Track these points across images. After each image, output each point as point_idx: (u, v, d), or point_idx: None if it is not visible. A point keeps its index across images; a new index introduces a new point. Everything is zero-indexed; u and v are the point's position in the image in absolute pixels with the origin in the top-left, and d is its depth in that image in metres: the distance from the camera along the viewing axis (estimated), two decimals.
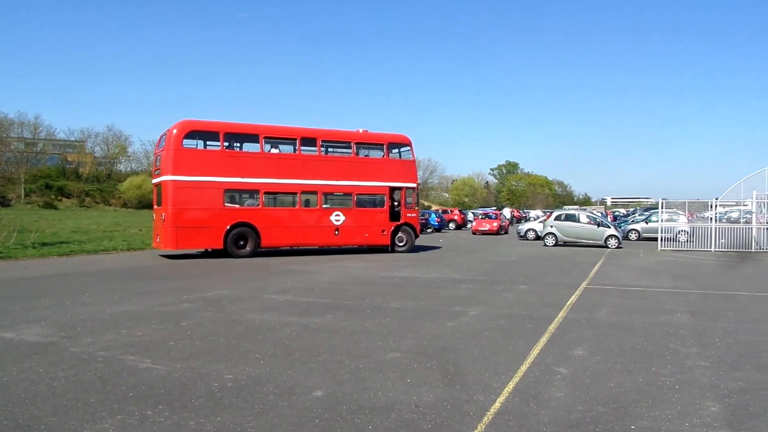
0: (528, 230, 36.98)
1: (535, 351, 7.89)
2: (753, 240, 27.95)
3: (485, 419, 5.34)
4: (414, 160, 26.00)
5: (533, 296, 12.87)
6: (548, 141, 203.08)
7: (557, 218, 31.65)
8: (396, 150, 25.52)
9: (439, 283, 14.84)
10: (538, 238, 34.65)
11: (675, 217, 31.69)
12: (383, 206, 24.67)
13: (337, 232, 23.53)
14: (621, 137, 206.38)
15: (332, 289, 13.69)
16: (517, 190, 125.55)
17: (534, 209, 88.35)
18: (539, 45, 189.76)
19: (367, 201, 24.80)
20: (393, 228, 24.77)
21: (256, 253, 22.21)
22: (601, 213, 49.97)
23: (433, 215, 48.26)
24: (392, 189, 24.91)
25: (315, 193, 23.39)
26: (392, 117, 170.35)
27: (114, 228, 37.42)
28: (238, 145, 23.14)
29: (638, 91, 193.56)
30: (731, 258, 24.36)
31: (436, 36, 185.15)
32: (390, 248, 24.83)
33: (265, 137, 22.93)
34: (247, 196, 22.64)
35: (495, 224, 44.25)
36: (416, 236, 25.72)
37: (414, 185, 25.50)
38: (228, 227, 21.53)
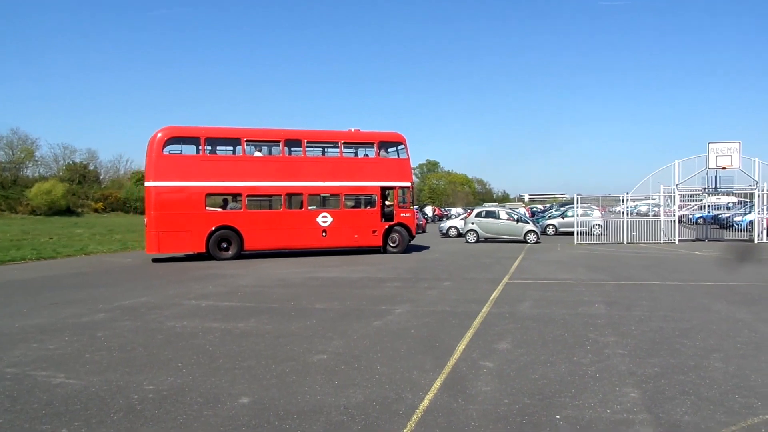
0: (450, 227, 37.52)
1: (461, 346, 7.96)
2: (661, 231, 29.29)
3: (415, 417, 5.34)
4: (408, 159, 24.91)
5: (457, 292, 13.02)
6: (467, 140, 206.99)
7: (478, 215, 32.22)
8: (388, 148, 24.84)
9: (364, 283, 14.81)
10: (459, 235, 35.20)
11: (589, 212, 32.86)
12: (374, 206, 24.00)
13: (324, 234, 23.08)
14: (537, 135, 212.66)
15: (255, 292, 13.43)
16: (438, 189, 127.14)
17: (455, 207, 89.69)
18: (455, 44, 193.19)
19: (357, 201, 24.44)
20: (385, 229, 24.04)
21: (241, 255, 22.17)
22: (522, 210, 51.15)
23: None
24: (384, 189, 24.20)
25: (300, 194, 23.19)
26: (309, 116, 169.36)
27: (22, 237, 35.56)
28: (223, 149, 23.29)
29: (553, 89, 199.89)
30: (643, 249, 25.43)
31: (352, 34, 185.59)
32: (382, 249, 24.08)
33: (246, 140, 22.88)
34: (231, 199, 22.78)
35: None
36: (411, 237, 24.86)
37: (408, 184, 24.57)
38: (210, 231, 21.80)
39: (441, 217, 65.05)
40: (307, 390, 6.16)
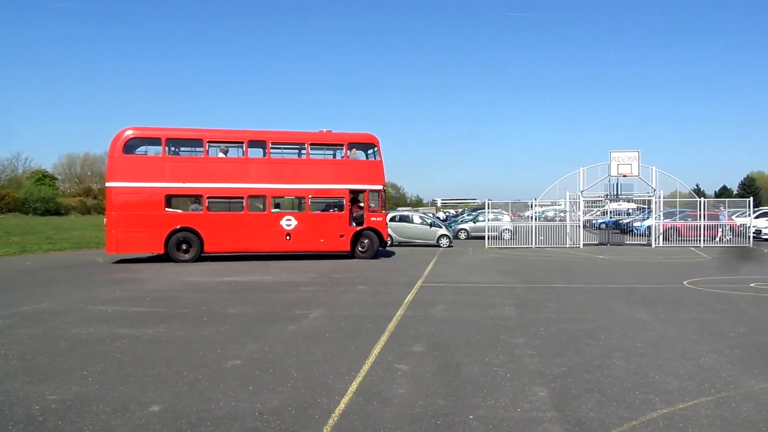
0: None
1: (377, 350, 8.02)
2: (567, 236, 30.46)
3: (330, 421, 5.33)
4: (380, 161, 23.54)
5: (372, 296, 13.11)
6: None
7: (392, 219, 32.45)
8: (358, 150, 23.79)
9: (278, 287, 14.67)
10: None
11: (500, 217, 33.80)
12: (342, 210, 23.01)
13: (288, 238, 22.31)
14: (450, 141, 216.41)
15: (166, 297, 13.05)
16: None
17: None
18: (366, 49, 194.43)
19: (324, 205, 23.67)
20: (354, 233, 22.95)
21: (200, 258, 21.74)
22: (433, 214, 51.88)
23: None
24: (354, 192, 23.16)
25: (263, 197, 22.50)
26: (206, 114, 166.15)
27: None
28: (186, 150, 23.03)
29: (466, 97, 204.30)
30: (550, 253, 26.36)
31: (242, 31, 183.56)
32: (351, 254, 23.04)
33: (209, 141, 22.44)
34: (192, 201, 22.50)
35: None
36: (382, 242, 23.86)
37: (379, 187, 23.34)
38: (169, 232, 21.52)
39: None
40: (221, 396, 6.04)
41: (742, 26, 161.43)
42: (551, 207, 37.11)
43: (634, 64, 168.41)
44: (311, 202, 22.98)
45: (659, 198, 30.22)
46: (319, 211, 23.39)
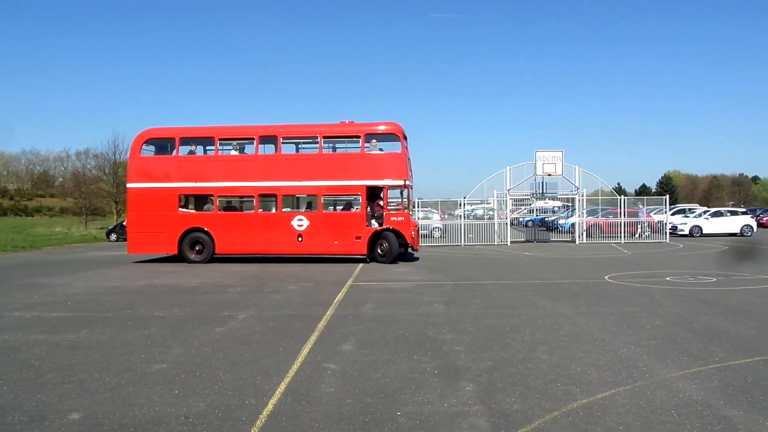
0: None
1: (306, 350, 8.00)
2: (495, 234, 31.09)
3: (258, 422, 5.29)
4: (402, 153, 20.89)
5: (302, 296, 13.05)
6: None
7: None
8: (378, 142, 21.17)
9: (205, 289, 14.39)
10: None
11: (430, 215, 34.20)
12: (359, 208, 20.93)
13: (300, 239, 20.73)
14: None
15: (88, 301, 12.61)
16: None
17: None
18: (293, 45, 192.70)
19: (338, 204, 22.17)
20: (371, 235, 20.58)
21: (212, 259, 21.26)
22: None
23: None
24: (371, 188, 20.68)
25: (274, 195, 21.24)
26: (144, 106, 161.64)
27: None
28: (199, 148, 22.29)
29: (390, 95, 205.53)
30: (479, 251, 26.84)
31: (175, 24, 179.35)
32: (368, 258, 20.78)
33: (220, 139, 21.73)
34: (204, 201, 21.91)
35: None
36: (405, 244, 20.81)
37: (400, 183, 20.69)
38: (182, 233, 21.17)
39: None
40: (145, 402, 5.90)
41: (660, 28, 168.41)
42: (480, 205, 37.78)
43: (558, 66, 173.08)
44: (324, 201, 21.32)
45: (582, 196, 31.25)
46: (333, 211, 22.03)
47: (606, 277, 15.90)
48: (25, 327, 9.84)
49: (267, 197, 21.45)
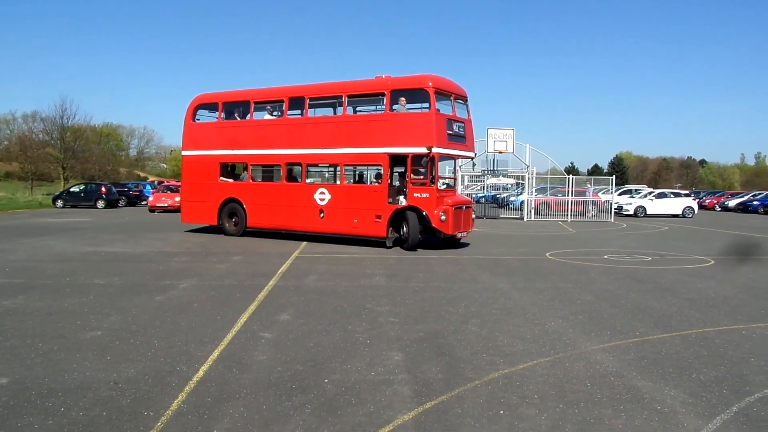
0: None
1: (243, 319, 8.12)
2: None
3: (187, 388, 5.42)
4: (431, 113, 16.48)
5: (246, 266, 13.11)
6: None
7: None
8: (404, 99, 17.11)
9: (149, 257, 14.32)
10: None
11: None
12: (380, 181, 17.48)
13: (321, 215, 18.18)
14: None
15: (27, 267, 12.44)
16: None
17: None
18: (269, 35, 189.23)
19: (360, 175, 19.44)
20: (392, 213, 16.98)
21: (245, 232, 19.99)
22: None
23: (149, 187, 46.13)
24: (395, 157, 17.09)
25: (299, 165, 19.05)
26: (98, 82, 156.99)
27: None
28: (238, 114, 20.73)
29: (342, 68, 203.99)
30: None
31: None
32: (387, 243, 17.31)
33: (255, 103, 20.09)
34: (241, 169, 20.66)
35: (178, 199, 31.48)
36: (429, 229, 16.77)
37: (424, 150, 16.35)
38: (221, 203, 20.06)
39: None
40: (76, 367, 5.96)
41: (617, 11, 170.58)
42: None
43: (513, 43, 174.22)
44: (346, 172, 18.60)
45: (532, 174, 31.82)
46: (354, 183, 19.05)
47: (547, 254, 16.34)
48: None
49: (293, 166, 19.39)
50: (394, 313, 8.68)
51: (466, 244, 18.53)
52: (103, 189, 37.21)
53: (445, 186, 17.62)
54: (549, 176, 34.98)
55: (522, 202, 33.61)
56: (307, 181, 19.15)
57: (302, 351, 6.69)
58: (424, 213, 16.58)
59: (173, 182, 45.31)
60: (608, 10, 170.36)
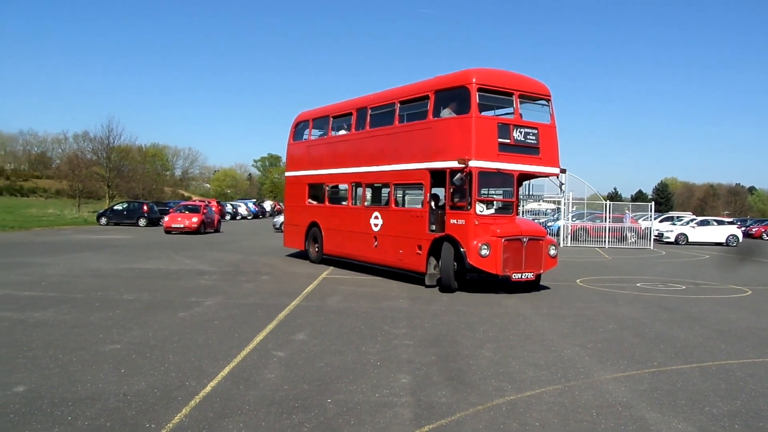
0: (282, 222, 37.64)
1: (259, 337, 8.24)
2: None
3: (192, 403, 5.53)
4: (469, 116, 13.12)
5: (273, 286, 13.29)
6: None
7: None
8: (455, 104, 13.91)
9: (180, 275, 14.64)
10: None
11: None
12: (422, 204, 14.58)
13: (375, 243, 15.74)
14: None
15: (62, 282, 12.86)
16: (280, 183, 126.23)
17: None
18: (301, 46, 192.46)
19: (407, 195, 16.26)
20: (431, 244, 13.74)
21: (322, 260, 18.45)
22: None
23: None
24: (436, 174, 13.85)
25: (360, 184, 16.91)
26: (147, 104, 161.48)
27: None
28: (324, 130, 19.22)
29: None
30: None
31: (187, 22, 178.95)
32: (427, 279, 13.86)
33: (333, 118, 18.38)
34: (321, 190, 18.89)
35: (195, 220, 31.87)
36: (464, 265, 12.94)
37: (461, 164, 12.83)
38: (306, 227, 18.94)
39: (280, 212, 64.96)
40: (90, 378, 6.15)
41: (663, 34, 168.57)
42: None
43: (553, 68, 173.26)
44: (395, 192, 15.85)
45: (568, 200, 31.51)
46: (401, 207, 15.93)
47: (578, 281, 16.15)
48: None
49: (357, 187, 17.12)
50: (410, 336, 8.70)
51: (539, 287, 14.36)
52: (145, 207, 38.13)
53: (493, 210, 13.72)
54: (586, 201, 34.52)
55: (559, 228, 33.27)
56: (366, 203, 16.78)
57: (311, 371, 6.76)
58: (457, 242, 13.06)
59: (197, 201, 44.54)
60: (654, 33, 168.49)
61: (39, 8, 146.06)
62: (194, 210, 33.44)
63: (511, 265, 12.99)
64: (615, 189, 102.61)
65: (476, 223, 12.95)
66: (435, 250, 13.68)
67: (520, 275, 13.19)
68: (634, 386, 6.69)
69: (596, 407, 5.93)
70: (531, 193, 31.25)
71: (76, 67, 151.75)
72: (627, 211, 33.52)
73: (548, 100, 14.28)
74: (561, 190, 16.50)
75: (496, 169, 13.20)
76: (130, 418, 5.13)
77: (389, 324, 9.51)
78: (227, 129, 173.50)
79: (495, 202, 14.11)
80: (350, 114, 17.39)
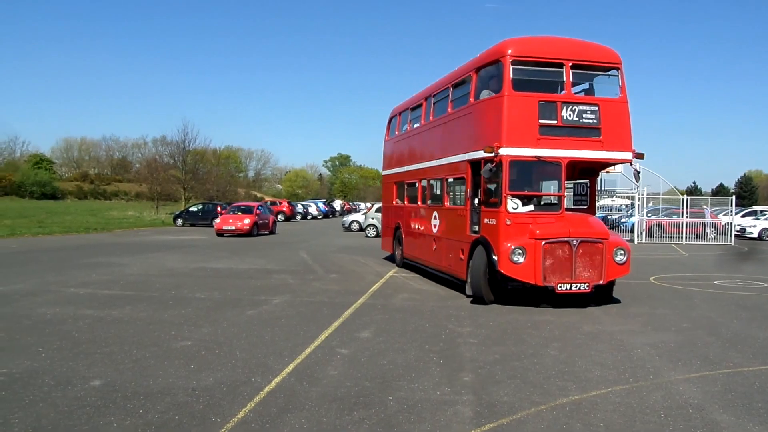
0: (352, 222, 38.00)
1: (324, 335, 8.36)
2: None
3: (257, 398, 5.68)
4: (500, 96, 11.12)
5: (340, 284, 13.45)
6: (377, 135, 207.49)
7: (378, 210, 32.80)
8: (490, 81, 11.99)
9: (250, 274, 15.02)
10: (361, 229, 35.70)
11: None
12: (463, 201, 12.74)
13: (434, 246, 14.10)
14: None
15: (139, 281, 13.40)
16: (350, 183, 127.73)
17: (366, 201, 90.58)
18: (371, 42, 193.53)
19: (457, 192, 13.76)
20: (470, 246, 11.74)
21: (405, 264, 16.89)
22: None
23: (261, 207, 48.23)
24: (476, 165, 11.72)
25: (424, 180, 15.31)
26: (210, 109, 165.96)
27: None
28: (412, 124, 16.87)
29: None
30: None
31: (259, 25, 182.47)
32: (467, 288, 11.76)
33: (411, 110, 16.68)
34: (403, 189, 17.39)
35: (247, 222, 30.12)
36: (496, 275, 10.95)
37: (487, 153, 10.93)
38: (393, 228, 17.77)
39: (349, 211, 65.60)
40: (161, 374, 6.40)
41: (739, 20, 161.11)
42: None
43: (629, 63, 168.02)
44: (448, 188, 13.91)
45: (642, 195, 30.57)
46: (451, 205, 13.67)
47: (651, 278, 15.67)
48: (77, 302, 10.63)
49: (422, 183, 15.41)
50: (474, 335, 8.65)
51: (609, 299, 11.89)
52: (219, 209, 39.21)
53: (532, 207, 11.39)
54: (662, 197, 33.39)
55: (633, 224, 32.32)
56: (429, 202, 15.00)
57: (374, 368, 6.82)
58: (489, 245, 11.06)
59: (250, 202, 41.60)
60: (730, 18, 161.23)
61: (116, 22, 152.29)
62: (247, 211, 31.74)
63: (555, 273, 10.70)
64: (694, 183, 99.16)
65: (507, 222, 10.90)
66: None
67: (568, 286, 10.68)
68: (706, 387, 6.45)
69: (665, 408, 5.74)
70: (603, 188, 30.70)
71: (154, 72, 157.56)
72: (706, 206, 32.22)
73: (616, 69, 11.74)
74: (636, 179, 13.90)
75: (536, 156, 11.01)
76: (198, 412, 5.31)
77: (454, 322, 9.48)
78: (298, 130, 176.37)
79: (535, 197, 11.74)
80: (420, 105, 15.77)
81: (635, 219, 31.81)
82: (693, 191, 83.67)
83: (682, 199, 31.03)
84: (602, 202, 39.50)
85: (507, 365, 7.10)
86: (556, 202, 11.72)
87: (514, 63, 11.02)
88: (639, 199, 30.66)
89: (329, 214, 64.44)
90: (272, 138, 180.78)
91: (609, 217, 39.74)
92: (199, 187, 59.24)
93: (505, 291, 11.33)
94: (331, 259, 19.30)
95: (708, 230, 31.06)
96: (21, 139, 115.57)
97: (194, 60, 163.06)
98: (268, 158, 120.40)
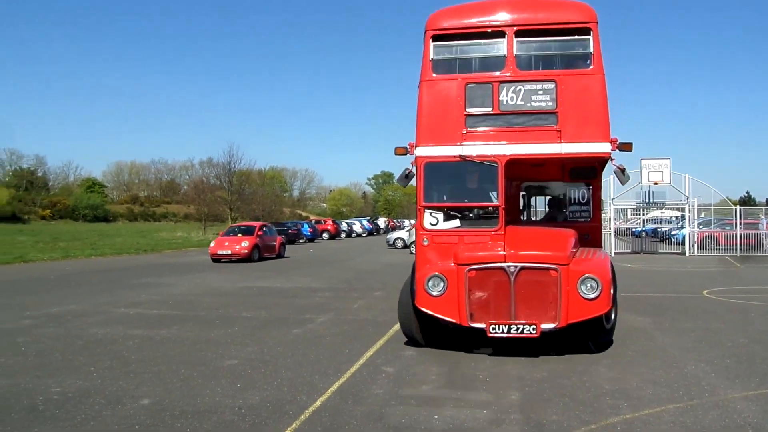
0: (396, 239, 38.05)
1: (369, 353, 8.33)
2: None
3: (302, 417, 5.67)
4: (421, 82, 8.84)
5: (384, 302, 13.39)
6: None
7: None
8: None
9: (295, 293, 15.10)
10: (406, 246, 35.66)
11: None
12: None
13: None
14: None
15: (186, 300, 13.61)
16: (393, 200, 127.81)
17: (410, 218, 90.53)
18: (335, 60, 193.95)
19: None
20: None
21: None
22: None
23: (306, 225, 48.69)
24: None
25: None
26: (254, 129, 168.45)
27: None
28: None
29: None
30: None
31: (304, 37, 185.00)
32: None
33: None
34: None
35: (246, 245, 25.79)
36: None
37: (399, 155, 9.19)
38: None
39: (394, 228, 65.64)
40: (208, 392, 6.45)
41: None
42: None
43: (668, 71, 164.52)
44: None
45: (692, 206, 29.84)
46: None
47: (704, 292, 15.20)
48: (127, 322, 10.84)
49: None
50: (522, 351, 8.50)
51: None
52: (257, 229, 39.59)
53: (458, 223, 8.78)
54: (713, 207, 32.51)
55: (684, 236, 31.53)
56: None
57: (420, 386, 6.76)
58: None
59: (252, 222, 34.63)
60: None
61: (161, 46, 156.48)
62: (247, 232, 27.20)
63: (486, 310, 7.91)
64: (747, 193, 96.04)
65: (425, 242, 8.69)
66: None
67: (504, 328, 7.73)
68: (766, 406, 6.19)
69: (722, 428, 5.53)
70: (652, 200, 30.10)
71: (200, 95, 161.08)
72: (762, 216, 31.21)
73: (586, 31, 8.60)
74: (621, 181, 10.00)
75: (460, 156, 8.51)
76: (245, 431, 5.33)
77: (501, 339, 9.32)
78: (342, 149, 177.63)
79: (465, 210, 8.84)
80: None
81: (686, 231, 31.05)
82: (746, 201, 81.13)
83: (735, 209, 30.16)
84: (652, 214, 38.65)
85: (555, 383, 6.95)
86: (493, 214, 8.69)
87: (434, 39, 8.76)
88: (689, 211, 29.93)
89: (373, 231, 64.66)
90: (316, 157, 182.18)
91: (659, 230, 38.88)
92: (245, 207, 60.08)
93: (448, 330, 8.71)
94: (375, 277, 19.30)
95: (764, 241, 30.08)
96: (74, 164, 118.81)
97: (238, 82, 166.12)
98: (312, 177, 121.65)
